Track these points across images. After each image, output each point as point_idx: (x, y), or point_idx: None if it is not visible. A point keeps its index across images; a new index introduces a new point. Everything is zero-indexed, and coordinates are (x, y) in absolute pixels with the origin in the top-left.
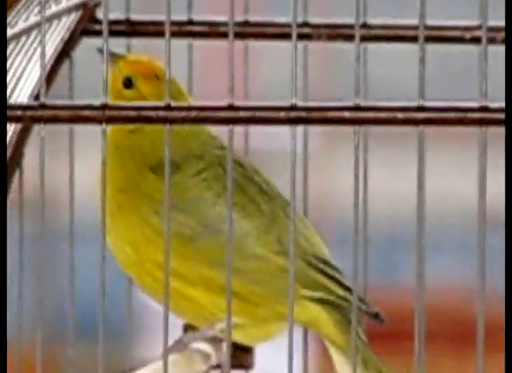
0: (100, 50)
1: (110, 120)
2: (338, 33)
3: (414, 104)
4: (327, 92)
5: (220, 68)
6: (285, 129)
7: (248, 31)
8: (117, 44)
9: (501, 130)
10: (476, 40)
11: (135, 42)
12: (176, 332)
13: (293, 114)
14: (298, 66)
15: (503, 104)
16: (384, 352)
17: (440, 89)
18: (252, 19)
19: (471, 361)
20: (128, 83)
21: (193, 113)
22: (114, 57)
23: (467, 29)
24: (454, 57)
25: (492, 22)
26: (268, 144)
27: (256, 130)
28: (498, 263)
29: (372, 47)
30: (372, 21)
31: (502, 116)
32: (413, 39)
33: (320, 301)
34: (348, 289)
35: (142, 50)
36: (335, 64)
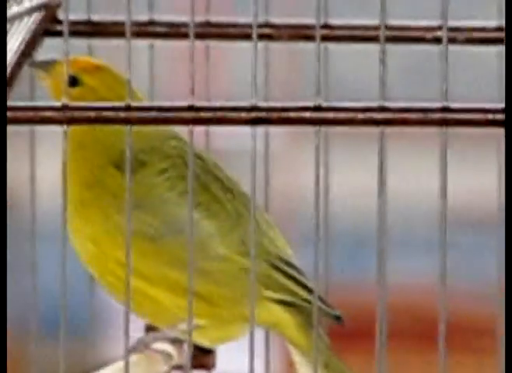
0: (32, 65)
1: (71, 121)
2: (299, 33)
3: (375, 104)
4: (290, 92)
5: (182, 69)
6: (246, 129)
7: (210, 32)
8: (79, 45)
9: (462, 131)
10: (437, 40)
11: (96, 42)
12: (138, 333)
13: (254, 115)
14: (259, 66)
15: (463, 104)
16: (347, 351)
17: (402, 90)
18: (213, 19)
19: (434, 361)
20: (73, 81)
21: (153, 114)
22: (47, 64)
23: (428, 29)
24: (416, 57)
25: (452, 23)
26: (230, 143)
27: (217, 129)
28: (464, 261)
29: (333, 47)
30: (333, 21)
31: (462, 116)
32: (374, 39)
33: (283, 303)
34: (310, 291)
35: (103, 50)
36: (297, 65)
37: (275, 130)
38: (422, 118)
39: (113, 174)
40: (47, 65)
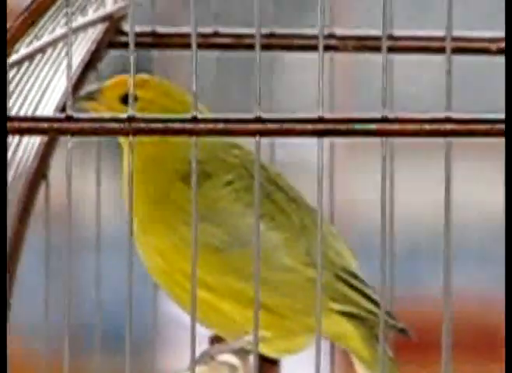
0: (78, 100)
1: (137, 133)
2: (365, 44)
3: (441, 116)
4: (352, 103)
5: (247, 80)
6: (306, 140)
7: (274, 43)
8: (143, 56)
9: None
10: (502, 52)
11: (160, 54)
12: (203, 345)
13: (320, 126)
14: (324, 78)
15: None
16: (409, 362)
17: (465, 100)
18: (279, 31)
19: (495, 370)
20: (126, 98)
21: (220, 126)
22: (93, 94)
23: (493, 40)
24: (480, 68)
25: None
26: (290, 155)
27: (279, 141)
28: None
29: (397, 58)
30: (398, 32)
31: None
32: (439, 50)
33: (348, 315)
34: (375, 303)
35: (166, 62)
36: (359, 76)
37: (331, 142)
38: (489, 129)
39: (179, 188)
40: (93, 94)
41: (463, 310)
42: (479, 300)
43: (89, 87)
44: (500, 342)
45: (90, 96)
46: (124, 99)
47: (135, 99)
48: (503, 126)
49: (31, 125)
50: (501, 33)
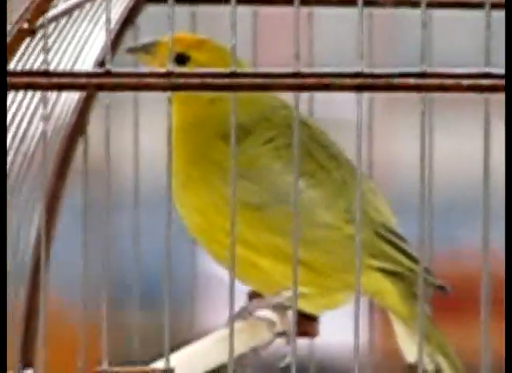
0: (132, 50)
1: (176, 88)
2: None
3: (480, 71)
4: (391, 59)
5: (285, 35)
6: (345, 96)
7: None
8: (181, 12)
9: None
10: None
11: (200, 9)
12: (241, 301)
13: (359, 81)
14: (363, 33)
15: None
16: (447, 320)
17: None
18: None
19: None
20: (181, 58)
21: (258, 80)
22: (149, 47)
23: None
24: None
25: None
26: (327, 111)
27: (318, 96)
28: None
29: (436, 13)
30: None
31: None
32: (479, 5)
33: (387, 272)
34: (414, 260)
35: (206, 18)
36: (398, 32)
37: (369, 97)
38: (477, 83)
39: (219, 147)
40: (149, 48)
41: (502, 268)
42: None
43: (145, 40)
44: None
45: (146, 50)
46: (178, 58)
47: (188, 59)
48: None
49: (70, 80)
50: None
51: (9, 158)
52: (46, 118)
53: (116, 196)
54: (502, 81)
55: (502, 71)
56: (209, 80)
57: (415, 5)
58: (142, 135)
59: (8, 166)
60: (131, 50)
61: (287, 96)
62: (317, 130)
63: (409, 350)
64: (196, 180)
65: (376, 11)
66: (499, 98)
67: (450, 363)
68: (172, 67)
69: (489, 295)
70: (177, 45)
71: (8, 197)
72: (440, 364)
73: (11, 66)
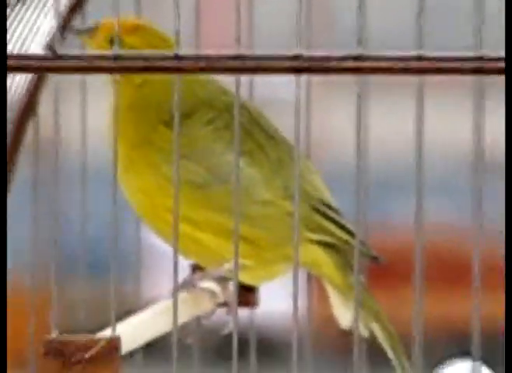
0: (76, 32)
1: (122, 70)
2: None
3: (413, 54)
4: (327, 40)
5: (227, 17)
6: (283, 77)
7: None
8: None
9: (497, 79)
10: None
11: None
12: (184, 273)
13: (298, 64)
14: (302, 15)
15: (499, 53)
16: (381, 289)
17: (438, 39)
18: None
19: (464, 297)
20: (113, 41)
21: (202, 63)
22: (89, 31)
23: None
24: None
25: None
26: (264, 92)
27: (258, 79)
28: (490, 203)
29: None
30: None
31: (497, 64)
32: None
33: (324, 244)
34: (350, 233)
35: (150, 3)
36: (334, 14)
37: (307, 79)
38: (458, 67)
39: (161, 131)
40: (89, 31)
41: (432, 240)
42: (447, 229)
43: (89, 23)
44: (467, 268)
45: (87, 32)
46: (112, 42)
47: (121, 41)
48: (474, 63)
49: (21, 63)
50: None
51: None
52: None
53: (65, 174)
54: (434, 64)
55: (434, 53)
56: (155, 63)
57: None
58: (89, 114)
59: None
60: (75, 32)
61: (227, 78)
62: (256, 113)
63: (344, 317)
64: (139, 163)
65: None
66: (434, 80)
67: (383, 329)
68: (117, 50)
69: (422, 266)
70: (110, 30)
71: None
72: (373, 329)
73: None
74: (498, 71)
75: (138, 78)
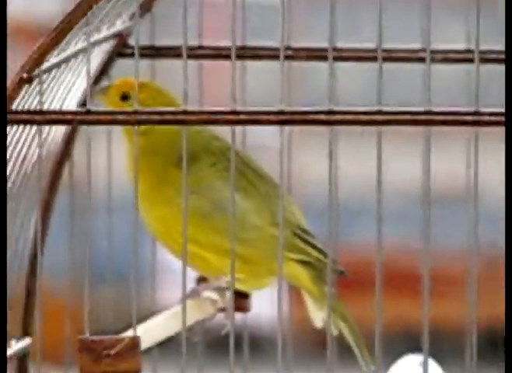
0: (95, 93)
1: (140, 123)
2: (314, 54)
3: (374, 109)
4: (304, 98)
5: (224, 81)
6: (268, 128)
7: (246, 54)
8: (143, 64)
9: (443, 129)
10: (421, 60)
11: (157, 62)
12: (191, 284)
13: (282, 117)
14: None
15: (443, 108)
16: (348, 299)
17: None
18: (249, 43)
19: (416, 302)
20: (124, 97)
21: (205, 116)
22: (104, 89)
23: (414, 51)
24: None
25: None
26: (253, 140)
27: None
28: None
29: (341, 65)
30: (342, 45)
31: (443, 117)
32: (372, 59)
33: (301, 262)
34: (322, 252)
35: (163, 69)
36: (309, 78)
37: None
38: (412, 119)
39: (173, 172)
40: (104, 90)
41: (388, 256)
42: (399, 249)
43: (102, 84)
44: (417, 278)
45: (102, 91)
46: (123, 97)
47: (128, 97)
48: (423, 116)
49: (59, 117)
50: (418, 45)
51: (13, 177)
52: (41, 146)
53: (95, 205)
54: (391, 117)
55: (391, 108)
56: (166, 117)
57: (324, 58)
58: (114, 157)
59: (11, 182)
60: (94, 93)
61: (223, 129)
62: (246, 157)
63: (318, 319)
64: (156, 197)
65: (295, 63)
66: (392, 129)
67: (350, 328)
68: (137, 106)
69: (381, 278)
70: (121, 87)
71: (11, 205)
72: (342, 329)
73: (13, 106)
74: (439, 123)
75: (141, 128)
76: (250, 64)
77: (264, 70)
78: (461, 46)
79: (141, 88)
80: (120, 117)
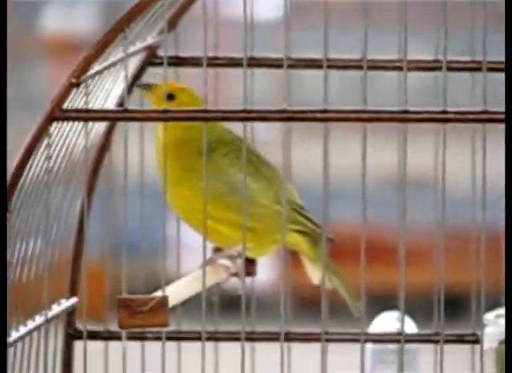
0: (140, 86)
1: (169, 119)
2: (311, 64)
3: (360, 108)
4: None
5: (231, 86)
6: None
7: (254, 63)
8: (169, 71)
9: (416, 125)
10: (398, 68)
11: (181, 70)
12: (208, 253)
13: (285, 115)
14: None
15: (417, 108)
16: (335, 259)
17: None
18: (256, 54)
19: (394, 270)
20: (170, 97)
21: (220, 114)
22: (150, 86)
23: (392, 61)
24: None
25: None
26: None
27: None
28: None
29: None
30: (333, 56)
31: (417, 116)
32: (359, 67)
33: (300, 232)
34: (316, 224)
35: (185, 76)
36: (300, 84)
37: (268, 125)
38: (390, 117)
39: (197, 159)
40: (150, 87)
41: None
42: (378, 226)
43: (147, 81)
44: (390, 251)
45: (148, 88)
46: (169, 97)
47: (175, 97)
48: (400, 115)
49: (101, 115)
50: (396, 56)
51: (63, 165)
52: (86, 139)
53: (128, 189)
54: (375, 115)
55: (375, 108)
56: (191, 114)
57: (319, 67)
58: (146, 150)
59: (62, 169)
60: (140, 86)
61: (235, 124)
62: (253, 148)
63: (315, 276)
64: (182, 180)
65: (294, 71)
66: (375, 126)
67: (341, 281)
68: (166, 104)
69: (365, 247)
70: (168, 88)
71: (63, 188)
72: (334, 282)
73: (64, 106)
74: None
75: (184, 124)
76: (258, 71)
77: (269, 76)
78: (430, 57)
79: (182, 91)
80: (154, 115)
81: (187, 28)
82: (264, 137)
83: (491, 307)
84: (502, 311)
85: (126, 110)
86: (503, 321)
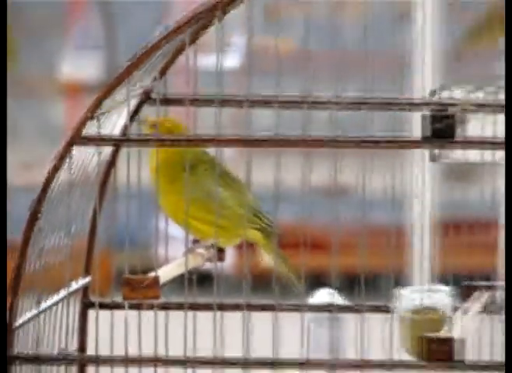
0: (137, 121)
1: (161, 144)
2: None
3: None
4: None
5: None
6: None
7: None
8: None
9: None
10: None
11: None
12: (189, 244)
13: (247, 140)
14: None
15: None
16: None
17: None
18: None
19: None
20: (153, 126)
21: (199, 141)
22: (144, 121)
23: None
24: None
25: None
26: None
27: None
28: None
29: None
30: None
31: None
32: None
33: (257, 229)
34: (268, 222)
35: (175, 112)
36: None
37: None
38: (302, 140)
39: (181, 175)
40: (144, 121)
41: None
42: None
43: (143, 118)
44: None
45: (142, 122)
46: (152, 126)
47: (159, 128)
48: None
49: (109, 140)
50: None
51: (80, 178)
52: (98, 158)
53: (129, 196)
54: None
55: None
56: (177, 140)
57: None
58: (143, 166)
59: (79, 181)
60: (137, 120)
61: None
62: (223, 165)
63: (267, 261)
64: (171, 189)
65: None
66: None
67: (287, 264)
68: (161, 134)
69: (304, 239)
70: (156, 120)
71: (78, 196)
72: (281, 266)
73: (82, 134)
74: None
75: (171, 149)
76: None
77: (233, 111)
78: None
79: (166, 122)
80: (150, 142)
81: (173, 76)
82: (231, 156)
83: (397, 284)
84: (415, 287)
85: (129, 138)
86: (415, 295)
